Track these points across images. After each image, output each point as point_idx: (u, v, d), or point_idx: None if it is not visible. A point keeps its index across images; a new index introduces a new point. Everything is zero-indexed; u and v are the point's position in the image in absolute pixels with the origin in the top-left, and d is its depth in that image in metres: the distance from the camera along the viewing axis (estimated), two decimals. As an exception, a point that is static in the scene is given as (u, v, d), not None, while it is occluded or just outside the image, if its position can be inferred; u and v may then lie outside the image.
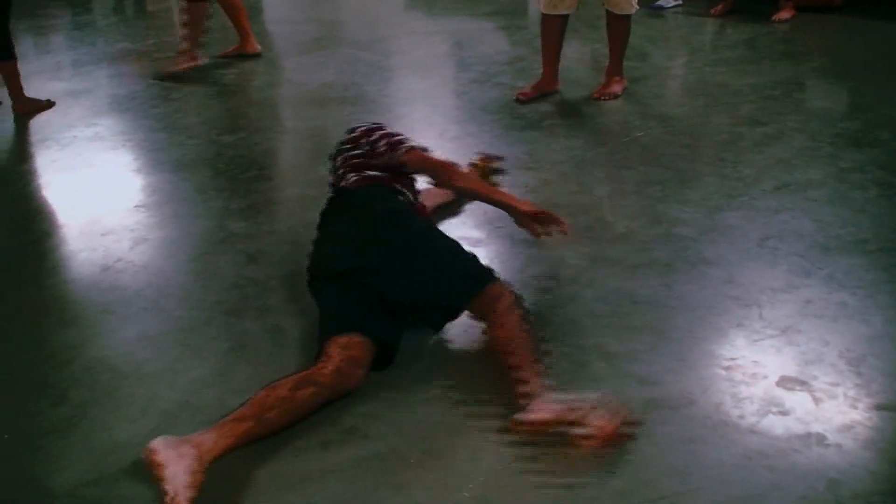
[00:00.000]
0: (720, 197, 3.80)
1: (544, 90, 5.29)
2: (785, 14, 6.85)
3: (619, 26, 5.16)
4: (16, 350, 2.94)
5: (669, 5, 7.40)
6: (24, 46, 5.48)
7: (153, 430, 2.53)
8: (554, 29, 5.19)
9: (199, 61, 6.36)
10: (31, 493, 2.34)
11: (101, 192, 4.29)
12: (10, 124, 5.42)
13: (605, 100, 5.17)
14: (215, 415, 2.56)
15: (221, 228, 3.78)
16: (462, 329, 2.94)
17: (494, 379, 2.67)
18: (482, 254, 3.45)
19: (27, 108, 5.51)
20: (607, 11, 5.11)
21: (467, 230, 3.62)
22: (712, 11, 7.13)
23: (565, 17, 5.15)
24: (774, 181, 3.93)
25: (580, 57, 6.09)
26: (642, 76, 5.49)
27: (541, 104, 5.16)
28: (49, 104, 5.62)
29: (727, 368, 2.66)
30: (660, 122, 4.78)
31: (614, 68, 5.27)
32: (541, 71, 5.35)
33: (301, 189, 4.16)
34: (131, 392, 2.71)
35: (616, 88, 5.24)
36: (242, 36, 6.68)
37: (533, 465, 2.32)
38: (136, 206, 4.07)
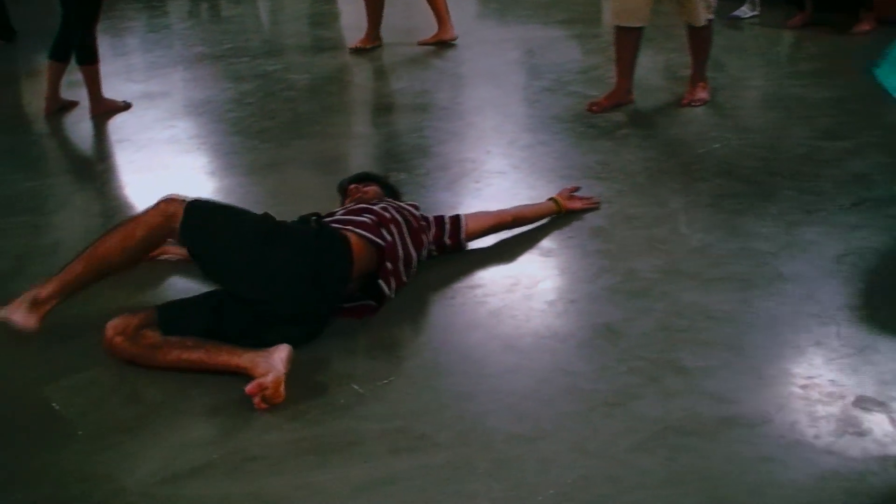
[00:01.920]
0: (798, 212, 3.72)
1: (618, 102, 5.21)
2: (865, 26, 6.70)
3: (700, 37, 5.08)
4: (91, 349, 2.98)
5: (746, 16, 7.29)
6: (101, 48, 5.58)
7: (224, 430, 2.55)
8: (628, 42, 5.10)
9: (379, 42, 7.03)
10: (106, 491, 2.37)
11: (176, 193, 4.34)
12: (87, 125, 5.53)
13: (694, 105, 5.11)
14: (287, 414, 2.58)
15: (293, 232, 3.79)
16: (532, 342, 2.93)
17: (560, 391, 2.66)
18: (553, 264, 3.46)
19: (103, 109, 5.61)
20: (687, 23, 5.05)
21: (538, 241, 3.61)
22: (789, 23, 7.02)
23: (640, 29, 5.07)
24: (853, 196, 3.85)
25: (655, 66, 6.02)
26: (719, 87, 5.41)
27: (614, 114, 5.11)
28: (126, 105, 5.73)
29: (804, 387, 2.61)
30: (736, 133, 4.71)
31: (698, 75, 5.18)
32: (614, 80, 5.28)
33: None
34: (203, 392, 2.74)
35: (703, 94, 5.16)
36: (440, 23, 6.89)
37: (603, 480, 2.30)
38: (209, 209, 4.11)
